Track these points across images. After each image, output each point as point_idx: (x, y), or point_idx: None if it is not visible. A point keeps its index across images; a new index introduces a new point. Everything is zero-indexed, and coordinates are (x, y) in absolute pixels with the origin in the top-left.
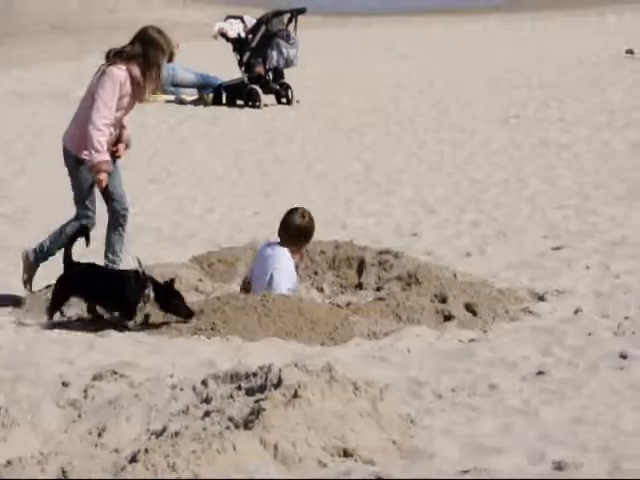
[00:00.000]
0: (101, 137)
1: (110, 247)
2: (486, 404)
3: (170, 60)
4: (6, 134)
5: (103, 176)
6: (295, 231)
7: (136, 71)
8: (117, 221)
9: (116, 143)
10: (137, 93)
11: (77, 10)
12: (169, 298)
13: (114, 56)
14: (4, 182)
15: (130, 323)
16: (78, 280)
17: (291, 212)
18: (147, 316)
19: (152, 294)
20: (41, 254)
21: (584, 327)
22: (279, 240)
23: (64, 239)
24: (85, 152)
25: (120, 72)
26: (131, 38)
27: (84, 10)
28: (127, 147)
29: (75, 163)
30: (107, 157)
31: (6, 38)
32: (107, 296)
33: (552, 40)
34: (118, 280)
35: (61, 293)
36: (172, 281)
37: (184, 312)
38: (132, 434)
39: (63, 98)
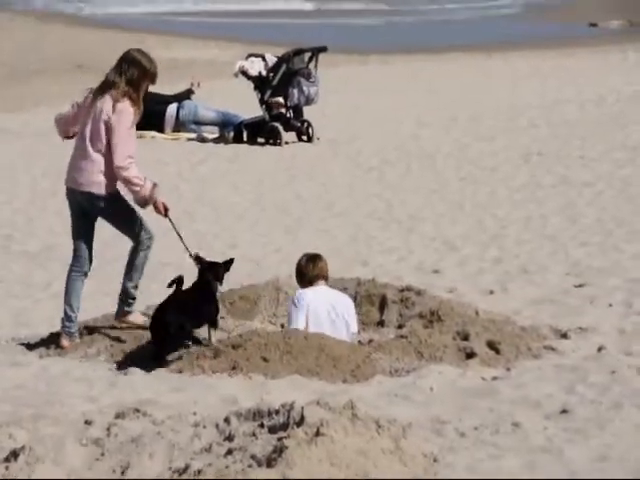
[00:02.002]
0: (133, 172)
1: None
2: (509, 442)
3: (153, 82)
4: (31, 172)
5: (159, 202)
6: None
7: (134, 96)
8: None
9: None
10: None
11: (102, 50)
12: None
13: (112, 88)
14: (29, 220)
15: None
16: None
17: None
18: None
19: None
20: (126, 297)
21: (608, 365)
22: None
23: (140, 273)
24: (115, 184)
25: (129, 107)
26: (115, 63)
27: (109, 50)
28: None
29: (110, 201)
30: (150, 184)
31: (33, 77)
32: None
33: (573, 77)
34: (199, 295)
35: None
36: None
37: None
38: (155, 472)
39: None
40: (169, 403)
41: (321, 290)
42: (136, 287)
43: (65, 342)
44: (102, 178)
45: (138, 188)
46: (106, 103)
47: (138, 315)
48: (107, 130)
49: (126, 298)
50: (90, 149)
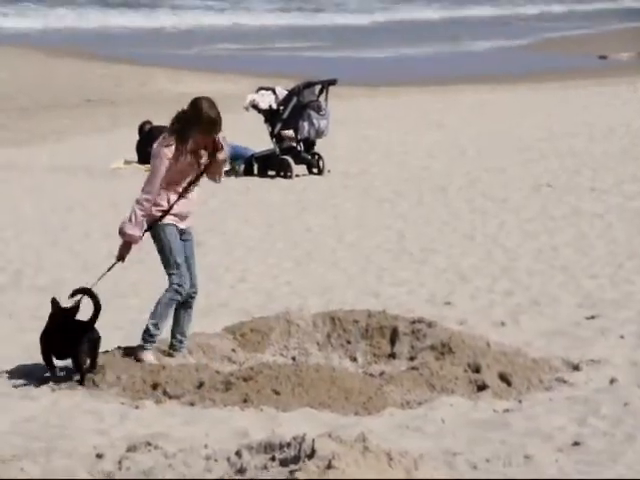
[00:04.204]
0: (139, 211)
1: (179, 327)
2: (521, 475)
3: (206, 131)
4: (40, 207)
5: (122, 248)
6: None
7: (186, 142)
8: (187, 302)
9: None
10: (198, 161)
11: (111, 84)
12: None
13: (169, 129)
14: (39, 254)
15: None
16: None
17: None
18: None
19: None
20: (144, 332)
21: (620, 397)
22: None
23: (160, 312)
24: (156, 214)
25: (164, 150)
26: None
27: (118, 84)
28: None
29: (152, 231)
30: (138, 233)
31: (41, 111)
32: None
33: (583, 109)
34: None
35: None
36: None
37: None
38: None
39: (96, 171)
40: (180, 436)
41: None
42: (156, 326)
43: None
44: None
45: (127, 222)
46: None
47: (149, 354)
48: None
49: (143, 332)
50: None
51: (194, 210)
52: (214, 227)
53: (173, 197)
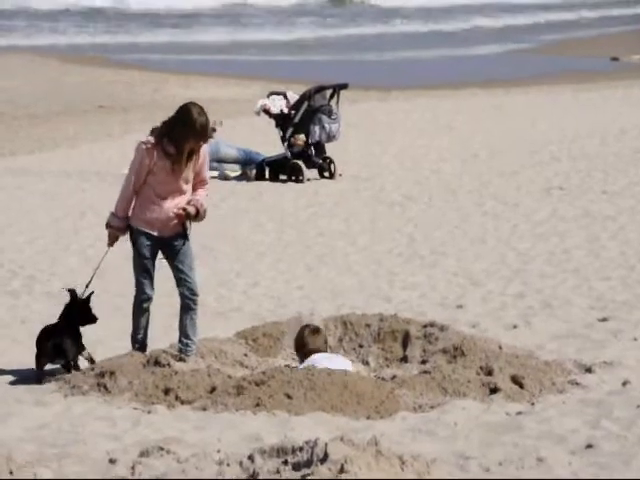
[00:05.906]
0: (119, 204)
1: (181, 331)
2: (534, 477)
3: (204, 141)
4: (52, 212)
5: (111, 236)
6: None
7: (166, 145)
8: (187, 306)
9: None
10: (175, 168)
11: (123, 90)
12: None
13: (153, 130)
14: (52, 260)
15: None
16: None
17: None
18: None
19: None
20: (135, 340)
21: (633, 399)
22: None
23: (133, 317)
24: (137, 221)
25: (141, 146)
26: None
27: (130, 90)
28: (195, 217)
29: (131, 234)
30: (121, 224)
31: (53, 118)
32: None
33: (594, 111)
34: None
35: None
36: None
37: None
38: None
39: (109, 176)
40: (193, 441)
41: (324, 356)
42: (134, 330)
43: None
44: (132, 210)
45: (111, 213)
46: None
47: None
48: None
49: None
50: None
51: (175, 219)
52: (225, 232)
53: (149, 204)
